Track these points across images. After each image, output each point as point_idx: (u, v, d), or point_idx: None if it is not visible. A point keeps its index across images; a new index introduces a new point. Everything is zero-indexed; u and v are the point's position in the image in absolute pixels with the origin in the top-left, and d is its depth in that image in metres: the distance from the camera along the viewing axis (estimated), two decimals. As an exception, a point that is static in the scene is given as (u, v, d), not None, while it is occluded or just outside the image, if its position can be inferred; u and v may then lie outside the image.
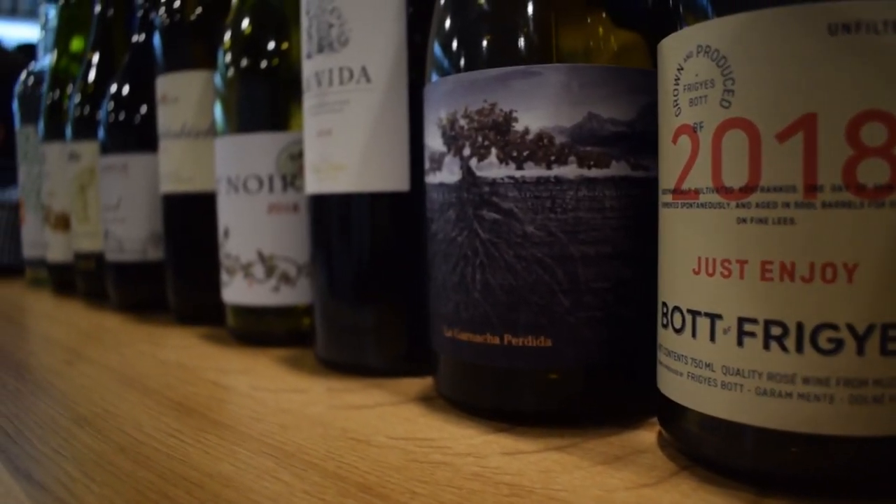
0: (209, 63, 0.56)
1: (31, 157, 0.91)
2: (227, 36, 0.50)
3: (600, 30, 0.31)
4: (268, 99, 0.48)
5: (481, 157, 0.31)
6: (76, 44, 0.86)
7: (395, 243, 0.40)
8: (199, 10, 0.57)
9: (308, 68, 0.42)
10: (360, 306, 0.41)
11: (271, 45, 0.48)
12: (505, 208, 0.31)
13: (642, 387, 0.32)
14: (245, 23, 0.49)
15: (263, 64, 0.48)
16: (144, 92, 0.65)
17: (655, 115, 0.30)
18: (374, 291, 0.41)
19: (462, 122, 0.32)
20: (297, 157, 0.48)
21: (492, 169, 0.31)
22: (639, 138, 0.31)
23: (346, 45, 0.39)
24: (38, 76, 0.94)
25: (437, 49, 0.34)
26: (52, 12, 0.95)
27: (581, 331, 0.31)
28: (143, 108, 0.65)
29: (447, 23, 0.33)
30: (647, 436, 0.30)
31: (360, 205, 0.40)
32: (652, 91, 0.31)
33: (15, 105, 0.95)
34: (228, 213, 0.50)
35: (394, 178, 0.39)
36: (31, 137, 0.91)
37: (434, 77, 0.34)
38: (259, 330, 0.50)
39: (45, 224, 0.85)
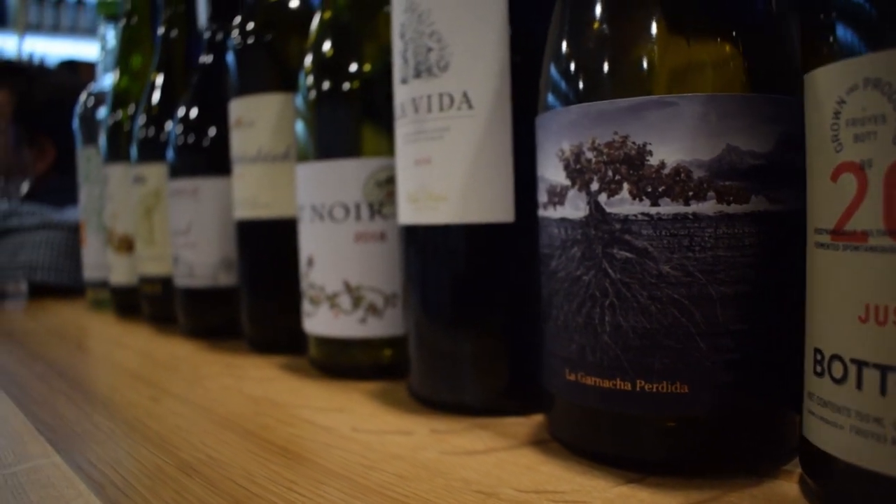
0: (285, 86, 0.55)
1: (93, 179, 0.91)
2: (310, 59, 0.49)
3: (736, 57, 0.29)
4: (353, 124, 0.47)
5: (612, 193, 0.29)
6: (137, 64, 0.85)
7: (498, 276, 0.38)
8: (273, 32, 0.56)
9: (403, 94, 0.40)
10: (460, 342, 0.39)
11: (354, 69, 0.47)
12: (638, 247, 0.29)
13: (780, 434, 0.31)
14: (328, 45, 0.48)
15: (347, 87, 0.47)
16: (214, 114, 0.65)
17: (793, 147, 0.28)
18: (476, 326, 0.39)
19: (589, 154, 0.30)
20: (384, 183, 0.46)
21: (623, 205, 0.29)
22: (777, 171, 0.29)
23: (447, 69, 0.38)
24: (99, 97, 0.94)
25: (553, 75, 0.32)
26: (110, 33, 0.95)
27: (719, 376, 0.29)
28: (213, 131, 0.64)
29: (565, 47, 0.32)
30: (790, 487, 0.28)
31: (462, 236, 0.38)
32: (789, 120, 0.29)
33: (75, 125, 0.95)
34: (313, 241, 0.48)
35: (498, 209, 0.38)
36: (93, 158, 0.91)
37: (550, 104, 0.32)
38: (343, 362, 0.49)
39: (108, 246, 0.85)
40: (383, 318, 0.47)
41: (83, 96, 0.95)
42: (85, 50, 4.10)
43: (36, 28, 3.95)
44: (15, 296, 1.15)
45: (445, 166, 0.38)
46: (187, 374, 0.52)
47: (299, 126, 0.50)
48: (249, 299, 0.58)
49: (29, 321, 0.85)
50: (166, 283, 0.73)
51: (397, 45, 0.41)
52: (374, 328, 0.47)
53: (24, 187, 1.43)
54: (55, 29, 4.01)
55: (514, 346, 0.39)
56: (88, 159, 0.92)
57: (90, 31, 4.11)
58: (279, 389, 0.47)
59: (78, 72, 4.02)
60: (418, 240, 0.40)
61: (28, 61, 2.12)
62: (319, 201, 0.47)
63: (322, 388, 0.46)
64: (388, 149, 0.47)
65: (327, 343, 0.49)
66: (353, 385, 0.47)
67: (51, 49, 4.05)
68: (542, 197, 0.33)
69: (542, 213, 0.33)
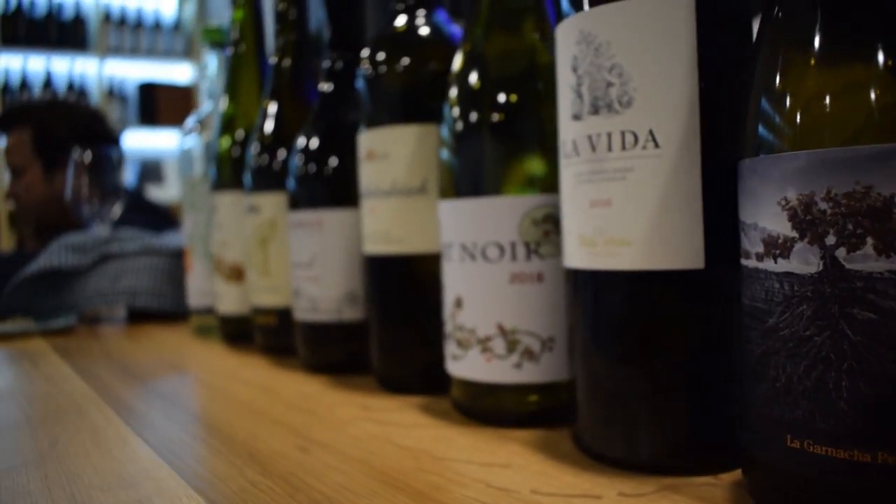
0: (420, 117, 0.53)
1: (199, 206, 0.91)
2: (455, 91, 0.47)
3: None
4: (506, 159, 0.45)
5: (852, 248, 0.26)
6: (244, 91, 0.85)
7: (684, 325, 0.36)
8: (406, 61, 0.54)
9: (576, 130, 0.38)
10: (641, 394, 0.36)
11: (503, 100, 0.45)
12: (884, 307, 0.26)
13: None
14: (475, 77, 0.46)
15: (500, 120, 0.45)
16: (336, 145, 0.63)
17: None
18: (659, 378, 0.36)
19: (823, 205, 0.27)
20: (541, 222, 0.44)
21: (867, 262, 0.26)
22: None
23: (630, 106, 0.35)
24: (202, 123, 0.94)
25: (769, 114, 0.29)
26: (213, 60, 0.94)
27: (980, 452, 0.26)
28: (335, 162, 0.63)
29: (781, 84, 0.29)
30: None
31: (646, 283, 0.36)
32: None
33: (179, 153, 0.95)
34: (462, 281, 0.46)
35: (687, 255, 0.35)
36: (198, 186, 0.91)
37: (766, 147, 0.29)
38: (489, 407, 0.47)
39: (216, 274, 0.84)
40: (539, 363, 0.44)
41: (186, 123, 0.95)
42: (162, 72, 4.19)
43: (115, 51, 4.05)
44: (110, 319, 1.16)
45: (629, 209, 0.35)
46: (325, 418, 0.50)
47: (444, 160, 0.48)
48: (381, 337, 0.56)
49: (136, 349, 0.84)
50: (282, 314, 0.72)
51: (567, 79, 0.38)
52: (529, 374, 0.44)
53: (117, 210, 1.44)
54: (134, 52, 4.11)
55: (697, 401, 0.36)
56: (193, 187, 0.91)
57: (168, 54, 4.20)
58: (430, 438, 0.44)
59: (156, 93, 4.11)
60: (594, 285, 0.38)
61: (45, 96, 2.21)
62: (470, 240, 0.45)
63: (475, 438, 0.44)
64: (543, 185, 0.44)
65: (473, 386, 0.47)
66: (504, 434, 0.44)
67: (129, 72, 4.15)
68: (755, 247, 0.30)
69: (752, 263, 0.31)
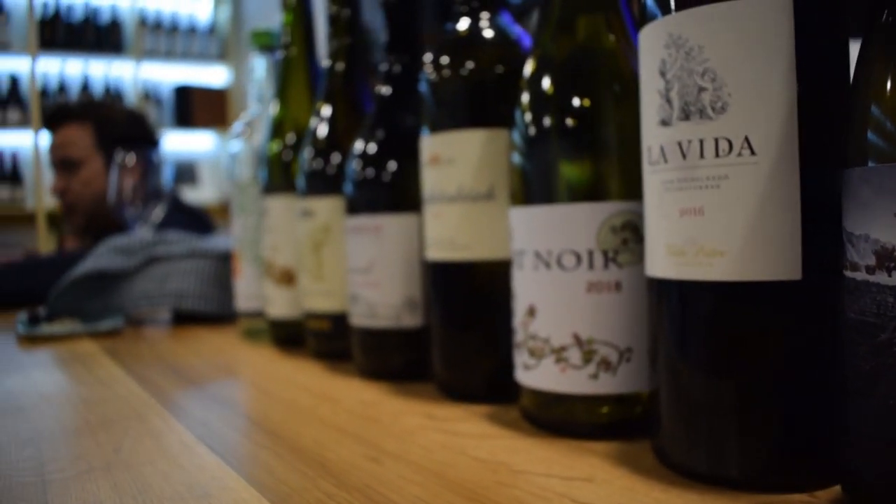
0: (487, 121, 0.52)
1: (248, 209, 0.91)
2: (527, 96, 0.46)
3: None
4: (582, 165, 0.44)
5: (981, 261, 0.25)
6: (295, 95, 0.84)
7: (779, 337, 0.34)
8: (472, 64, 0.53)
9: (663, 136, 0.37)
10: (732, 409, 0.35)
11: (580, 104, 0.44)
12: None
13: None
14: (547, 82, 0.45)
15: (575, 125, 0.44)
16: (395, 149, 0.62)
17: None
18: (752, 392, 0.35)
19: (947, 215, 0.26)
20: (619, 230, 0.43)
21: None
22: None
23: (724, 112, 0.34)
24: (250, 126, 0.93)
25: (880, 123, 0.28)
26: (261, 63, 0.94)
27: None
28: (393, 166, 0.62)
29: (892, 91, 0.28)
30: None
31: (741, 294, 0.35)
32: None
33: (229, 158, 0.95)
34: (534, 289, 0.45)
35: (784, 266, 0.34)
36: (248, 189, 0.90)
37: (880, 155, 0.28)
38: (561, 418, 0.46)
39: (266, 278, 0.84)
40: (616, 374, 0.43)
41: (235, 127, 0.95)
42: (197, 75, 4.23)
43: (151, 54, 4.09)
44: (154, 321, 1.16)
45: (723, 218, 0.34)
46: (391, 427, 0.50)
47: (516, 165, 0.47)
48: (445, 344, 0.56)
49: (186, 352, 0.84)
50: (335, 319, 0.72)
51: (654, 84, 0.37)
52: (605, 385, 0.43)
53: (160, 213, 1.45)
54: (169, 55, 4.15)
55: (791, 415, 0.34)
56: (242, 190, 0.91)
57: (202, 57, 4.24)
58: (503, 449, 0.43)
59: (191, 96, 4.15)
60: (682, 296, 0.37)
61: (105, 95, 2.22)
62: (545, 247, 0.44)
63: (550, 449, 0.43)
64: (621, 192, 0.43)
65: (543, 396, 0.46)
66: (580, 445, 0.43)
67: (165, 75, 4.19)
68: (864, 259, 0.29)
69: (861, 275, 0.29)
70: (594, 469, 0.39)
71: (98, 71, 4.01)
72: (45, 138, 1.82)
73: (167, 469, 0.43)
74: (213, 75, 4.30)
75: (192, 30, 4.22)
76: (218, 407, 0.58)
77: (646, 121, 0.38)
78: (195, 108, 4.11)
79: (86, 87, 3.92)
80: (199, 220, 1.75)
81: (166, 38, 4.12)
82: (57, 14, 3.87)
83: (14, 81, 3.72)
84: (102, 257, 1.09)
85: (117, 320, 1.05)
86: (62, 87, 3.86)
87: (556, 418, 0.46)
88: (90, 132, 1.73)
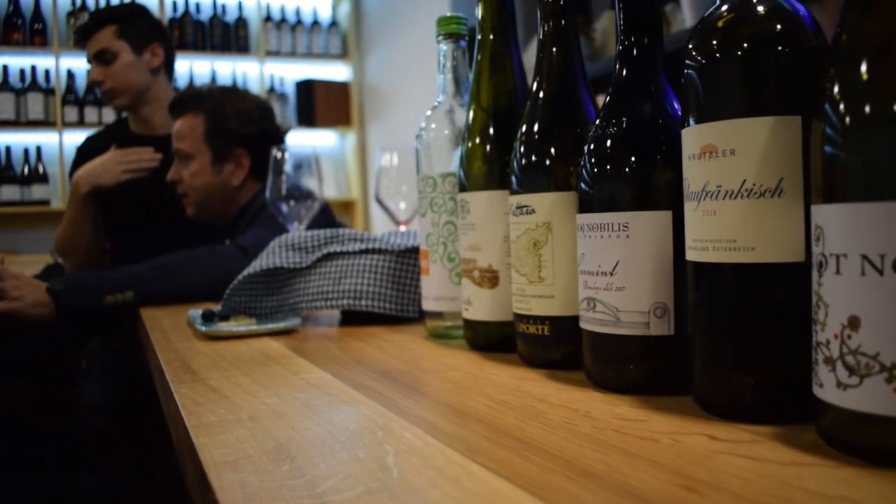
0: (775, 109, 0.46)
1: (439, 207, 0.87)
2: (847, 78, 0.40)
3: None
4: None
5: None
6: (496, 86, 0.80)
7: None
8: (746, 44, 0.48)
9: None
10: None
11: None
12: None
13: None
14: (870, 61, 0.39)
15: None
16: (641, 139, 0.57)
17: None
18: None
19: None
20: (985, 230, 0.36)
21: None
22: None
23: None
24: (437, 119, 0.90)
25: None
26: (448, 52, 0.90)
27: None
28: (640, 158, 0.57)
29: None
30: None
31: None
32: None
33: (417, 150, 0.91)
34: (860, 298, 0.39)
35: None
36: (438, 185, 0.87)
37: None
38: (879, 444, 0.40)
39: (464, 278, 0.80)
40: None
41: (422, 121, 0.92)
42: (317, 71, 4.28)
43: (275, 54, 4.17)
44: (317, 320, 1.14)
45: None
46: (676, 448, 0.45)
47: (829, 157, 0.41)
48: (714, 357, 0.50)
49: (380, 353, 0.81)
50: (556, 323, 0.67)
51: None
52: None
53: (316, 207, 1.44)
54: (292, 55, 4.22)
55: None
56: (434, 185, 0.87)
57: (322, 56, 4.30)
58: (837, 483, 0.38)
59: (313, 91, 4.20)
60: None
61: (212, 85, 2.20)
62: (877, 251, 0.38)
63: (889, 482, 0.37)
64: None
65: (862, 418, 0.40)
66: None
67: (287, 72, 4.26)
68: None
69: None
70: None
71: (225, 69, 4.11)
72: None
73: (455, 492, 0.40)
74: (335, 72, 4.34)
75: (314, 25, 4.27)
76: (458, 418, 0.54)
77: None
78: (317, 104, 4.16)
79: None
80: (326, 216, 1.72)
81: (289, 34, 4.19)
82: (186, 13, 3.97)
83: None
84: (277, 254, 1.08)
85: (295, 319, 1.03)
86: (191, 86, 3.98)
87: (885, 445, 0.40)
88: (201, 125, 1.73)
